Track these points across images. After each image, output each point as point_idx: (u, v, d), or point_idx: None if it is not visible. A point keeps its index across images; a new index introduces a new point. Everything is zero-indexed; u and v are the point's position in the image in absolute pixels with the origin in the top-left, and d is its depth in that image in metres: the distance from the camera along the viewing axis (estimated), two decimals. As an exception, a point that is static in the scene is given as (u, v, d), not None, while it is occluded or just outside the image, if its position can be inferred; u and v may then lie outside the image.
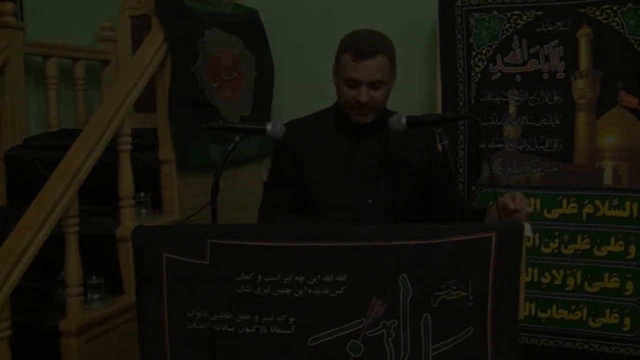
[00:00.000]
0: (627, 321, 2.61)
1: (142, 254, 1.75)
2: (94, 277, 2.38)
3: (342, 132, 2.07)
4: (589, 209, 2.67)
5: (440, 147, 1.93)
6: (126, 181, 2.50)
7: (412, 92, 3.11)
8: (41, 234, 2.12)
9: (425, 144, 2.11)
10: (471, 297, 1.65)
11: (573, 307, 2.68)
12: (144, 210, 2.73)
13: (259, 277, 1.66)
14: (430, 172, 2.09)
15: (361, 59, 1.95)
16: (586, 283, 2.67)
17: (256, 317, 1.67)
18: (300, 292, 1.65)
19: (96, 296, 2.37)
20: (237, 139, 1.89)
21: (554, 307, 2.71)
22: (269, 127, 1.93)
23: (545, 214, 2.71)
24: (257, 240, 1.69)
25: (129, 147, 2.53)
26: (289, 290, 1.65)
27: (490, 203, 1.94)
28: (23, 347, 2.14)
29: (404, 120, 1.91)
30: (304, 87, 3.34)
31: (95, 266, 2.40)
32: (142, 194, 2.71)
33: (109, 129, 2.43)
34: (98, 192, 2.51)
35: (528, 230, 1.64)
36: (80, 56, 3.52)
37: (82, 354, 2.18)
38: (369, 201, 2.03)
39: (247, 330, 1.68)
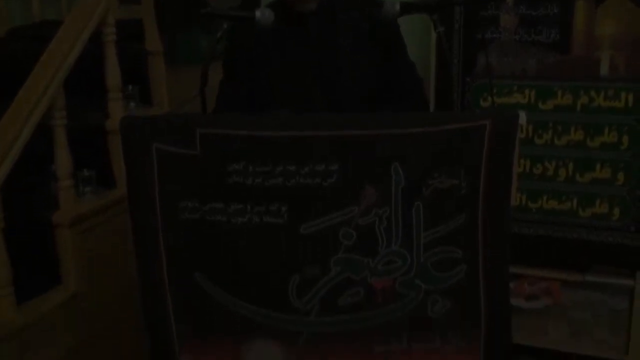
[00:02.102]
0: (617, 211, 2.64)
1: (131, 145, 1.73)
2: (85, 170, 2.37)
3: (289, 23, 2.00)
4: (583, 100, 2.64)
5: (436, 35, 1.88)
6: (113, 73, 2.44)
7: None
8: (28, 125, 2.09)
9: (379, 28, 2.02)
10: (463, 185, 1.65)
11: (563, 198, 2.71)
12: (132, 104, 2.69)
13: (250, 167, 1.65)
14: (384, 57, 2.04)
15: None
16: (577, 174, 2.68)
17: (248, 207, 1.67)
18: (292, 181, 1.64)
19: (88, 189, 2.37)
20: (225, 26, 1.83)
21: (545, 197, 2.73)
22: (257, 13, 1.86)
23: (540, 105, 2.68)
24: (247, 129, 1.66)
25: (114, 37, 2.46)
26: (281, 179, 1.64)
27: None
28: (18, 239, 2.15)
29: (397, 6, 1.84)
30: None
31: (86, 161, 2.39)
32: (130, 87, 2.66)
33: (92, 18, 2.35)
34: (86, 86, 2.46)
35: (523, 117, 1.62)
36: (61, -59, 3.36)
37: (76, 246, 2.21)
38: (319, 93, 1.99)
39: (239, 219, 1.68)
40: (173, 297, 1.79)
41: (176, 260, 1.76)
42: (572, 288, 2.80)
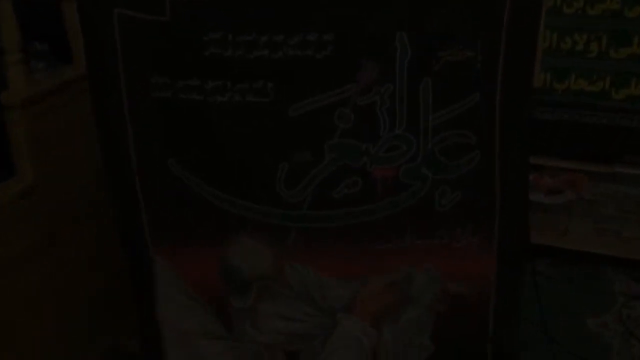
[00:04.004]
0: (655, 93, 2.64)
1: (89, 11, 1.68)
2: (36, 44, 2.32)
3: None
4: (623, -40, 2.57)
5: None
6: None
7: None
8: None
9: None
10: (479, 59, 1.61)
11: (595, 77, 2.69)
12: (90, -35, 2.59)
13: (230, 36, 1.60)
14: None
15: None
16: (612, 49, 2.65)
17: (228, 84, 1.64)
18: (279, 53, 1.60)
19: (41, 65, 2.33)
20: None
21: (573, 76, 2.71)
22: None
23: (571, -32, 2.62)
24: (225, -10, 1.61)
25: None
26: (266, 51, 1.60)
27: None
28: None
29: None
30: None
31: (39, 36, 2.34)
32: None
33: None
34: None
35: (552, -24, 1.57)
36: None
37: (31, 129, 2.17)
38: None
39: (218, 98, 1.65)
40: (144, 189, 1.80)
41: (147, 145, 1.75)
42: (598, 181, 2.83)
